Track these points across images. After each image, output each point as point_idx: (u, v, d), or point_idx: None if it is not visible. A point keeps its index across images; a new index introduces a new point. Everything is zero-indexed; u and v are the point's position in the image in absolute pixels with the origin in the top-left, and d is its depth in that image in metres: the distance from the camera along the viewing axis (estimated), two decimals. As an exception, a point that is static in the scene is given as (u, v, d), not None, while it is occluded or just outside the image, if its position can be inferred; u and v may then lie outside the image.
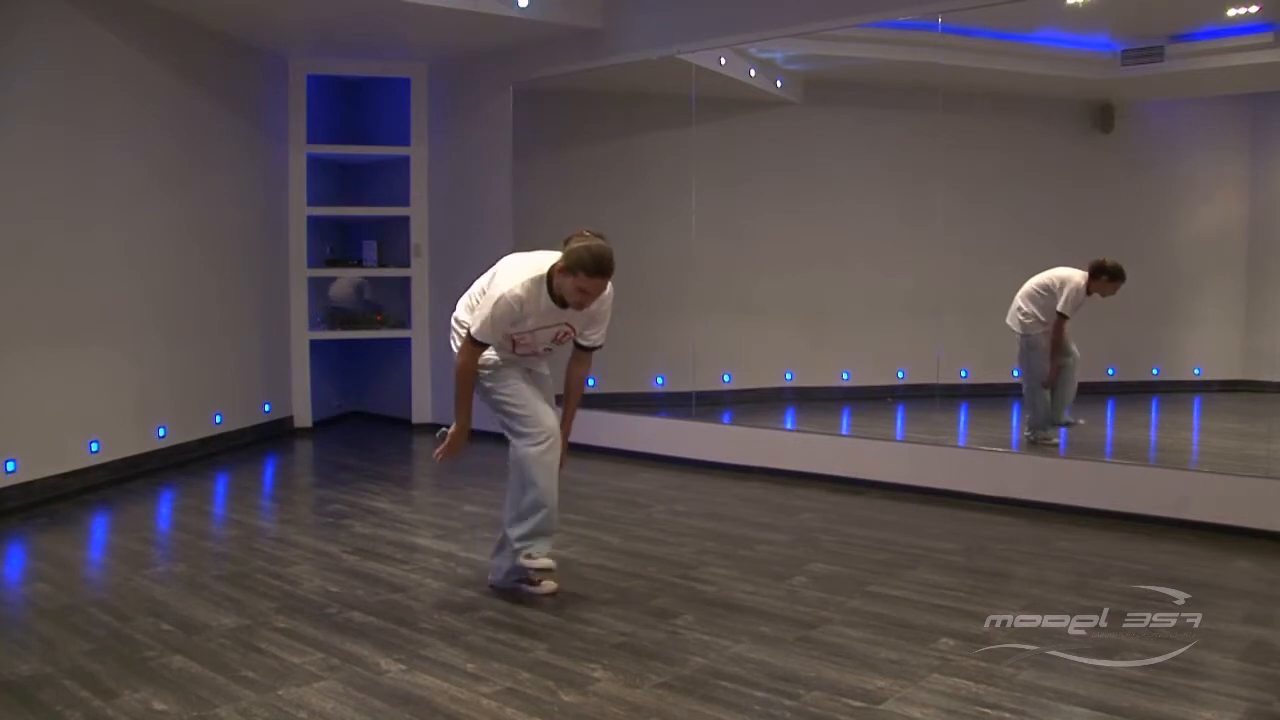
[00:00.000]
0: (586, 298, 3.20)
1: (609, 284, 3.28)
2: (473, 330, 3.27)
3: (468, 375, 3.34)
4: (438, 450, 3.47)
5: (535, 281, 3.26)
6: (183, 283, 5.96)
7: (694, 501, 5.03)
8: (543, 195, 6.78)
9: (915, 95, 5.91)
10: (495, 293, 3.23)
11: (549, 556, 3.43)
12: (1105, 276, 5.22)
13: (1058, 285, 5.30)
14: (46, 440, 4.97)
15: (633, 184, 6.83)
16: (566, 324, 3.37)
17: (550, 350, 3.49)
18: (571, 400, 3.58)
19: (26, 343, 4.81)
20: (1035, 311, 5.38)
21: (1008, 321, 5.50)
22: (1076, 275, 5.28)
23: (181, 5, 5.66)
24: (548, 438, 3.35)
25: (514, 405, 3.37)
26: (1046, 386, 5.36)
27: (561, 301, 3.27)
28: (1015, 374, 5.58)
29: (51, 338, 4.95)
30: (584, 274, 3.15)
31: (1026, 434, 5.44)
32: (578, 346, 3.53)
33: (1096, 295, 5.27)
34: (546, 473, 3.35)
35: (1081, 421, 5.41)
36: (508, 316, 3.24)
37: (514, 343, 3.37)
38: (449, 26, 6.17)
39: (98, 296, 5.26)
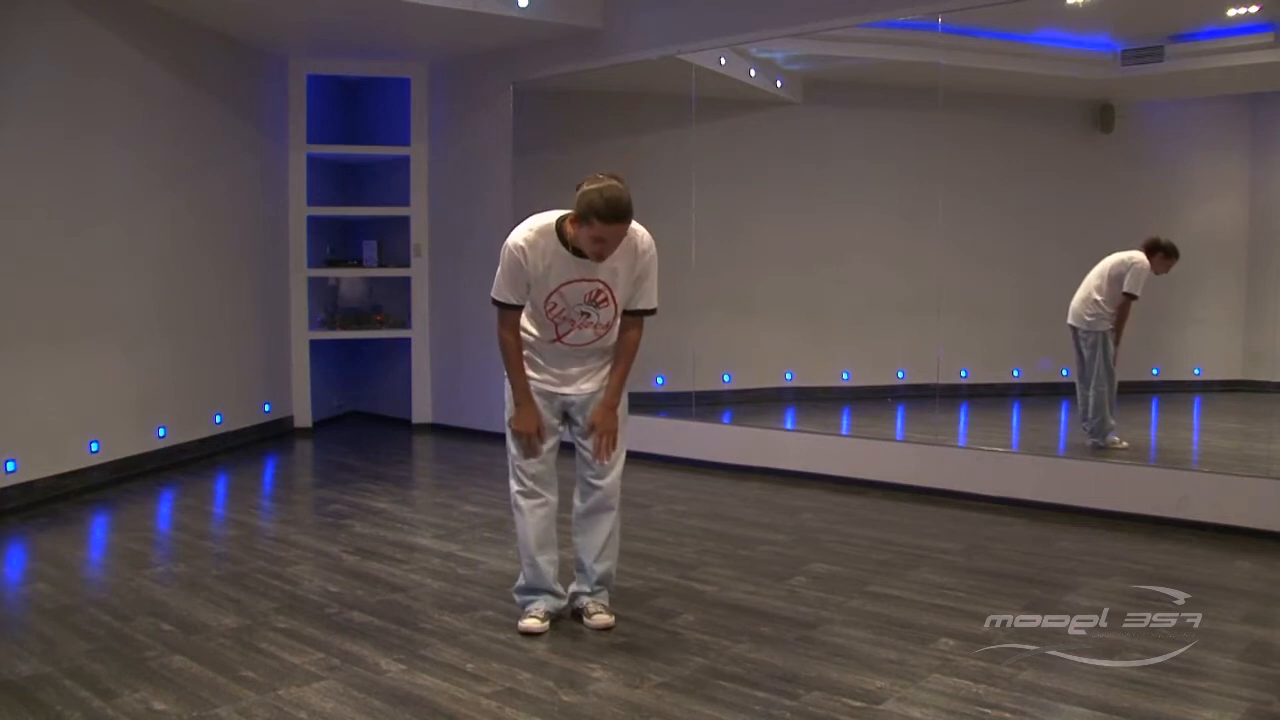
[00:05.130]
0: (604, 247, 2.88)
1: (640, 233, 3.02)
2: (492, 292, 3.04)
3: (507, 348, 3.06)
4: (524, 450, 3.15)
5: (542, 230, 2.98)
6: (183, 282, 5.95)
7: (694, 501, 5.03)
8: (543, 195, 6.72)
9: (915, 95, 5.91)
10: (505, 246, 3.00)
11: (543, 617, 3.14)
12: (1161, 254, 5.22)
13: (1126, 268, 5.24)
14: (46, 440, 4.96)
15: (633, 184, 6.73)
16: (598, 281, 3.00)
17: (593, 320, 3.06)
18: (618, 362, 3.15)
19: (26, 343, 4.81)
20: (1104, 303, 5.30)
21: (1072, 322, 5.39)
22: (1139, 256, 5.24)
23: (181, 5, 5.65)
24: (530, 490, 3.15)
25: (512, 442, 3.17)
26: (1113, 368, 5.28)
27: (581, 253, 2.96)
28: (1065, 374, 5.46)
29: (51, 338, 4.95)
30: (597, 220, 2.83)
31: (1093, 440, 5.31)
32: (626, 314, 3.12)
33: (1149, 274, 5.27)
34: (523, 524, 3.16)
35: (1124, 443, 5.37)
36: (517, 268, 2.96)
37: (548, 313, 3.03)
38: (449, 26, 6.17)
39: (98, 296, 5.26)
